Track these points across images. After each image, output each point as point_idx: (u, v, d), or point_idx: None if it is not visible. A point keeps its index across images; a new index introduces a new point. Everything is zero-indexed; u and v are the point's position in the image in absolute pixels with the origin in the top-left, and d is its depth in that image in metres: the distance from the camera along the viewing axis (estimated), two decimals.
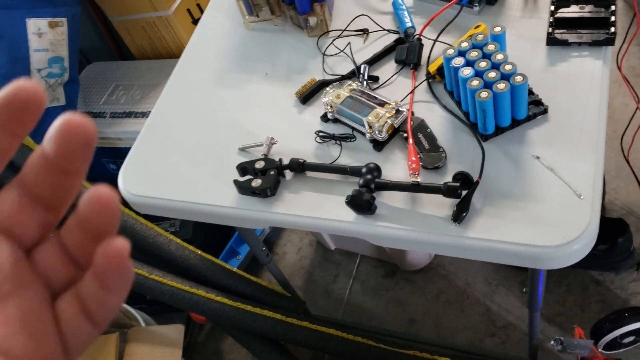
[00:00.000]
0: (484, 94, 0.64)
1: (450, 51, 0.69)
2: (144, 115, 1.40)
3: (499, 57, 0.67)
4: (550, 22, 0.74)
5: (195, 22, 1.52)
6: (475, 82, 0.65)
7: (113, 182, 1.56)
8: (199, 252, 1.24)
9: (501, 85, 0.64)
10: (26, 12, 1.15)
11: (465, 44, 0.69)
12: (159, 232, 1.23)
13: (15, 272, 0.22)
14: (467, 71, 0.67)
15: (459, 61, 0.68)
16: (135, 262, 1.18)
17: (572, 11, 0.74)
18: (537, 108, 0.69)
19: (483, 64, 0.67)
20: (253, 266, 1.55)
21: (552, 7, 0.75)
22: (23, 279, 0.22)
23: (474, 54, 0.68)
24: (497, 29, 0.69)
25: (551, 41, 0.74)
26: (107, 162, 1.48)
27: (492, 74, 0.65)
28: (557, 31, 0.73)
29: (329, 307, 1.47)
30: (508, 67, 0.65)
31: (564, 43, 0.73)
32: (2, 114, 0.20)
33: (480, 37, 0.69)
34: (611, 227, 1.22)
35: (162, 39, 1.52)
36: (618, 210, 1.37)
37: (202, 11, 1.53)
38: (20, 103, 0.20)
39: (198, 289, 1.18)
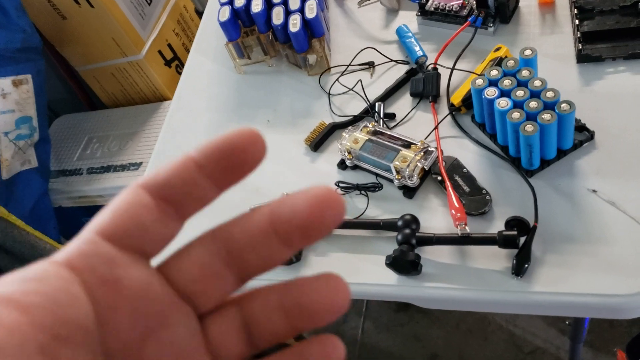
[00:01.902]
0: (530, 128, 0.57)
1: (480, 81, 0.62)
2: (124, 168, 1.30)
3: (537, 83, 0.60)
4: (578, 38, 0.68)
5: (168, 63, 1.43)
6: (516, 115, 0.58)
7: None
8: None
9: (546, 116, 0.57)
10: None
11: (495, 72, 0.62)
12: None
13: (191, 352, 0.18)
14: (504, 102, 0.60)
15: (492, 92, 0.61)
16: None
17: (598, 23, 0.69)
18: (582, 135, 0.63)
19: (520, 93, 0.60)
20: None
21: (577, 21, 0.69)
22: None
23: (507, 82, 0.61)
24: (528, 52, 0.62)
25: (583, 58, 0.67)
26: (88, 221, 1.37)
27: (533, 104, 0.58)
28: (587, 46, 0.67)
29: None
30: (549, 94, 0.59)
31: (598, 59, 0.67)
32: (217, 164, 0.18)
33: (511, 62, 0.62)
34: None
35: (134, 84, 1.43)
36: None
37: (174, 51, 1.44)
38: (238, 154, 0.18)
39: None
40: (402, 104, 0.74)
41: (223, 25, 0.79)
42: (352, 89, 0.76)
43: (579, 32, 0.68)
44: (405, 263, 0.57)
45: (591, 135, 0.62)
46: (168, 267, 0.19)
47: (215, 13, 0.85)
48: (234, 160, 0.18)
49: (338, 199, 0.18)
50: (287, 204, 0.18)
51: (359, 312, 1.42)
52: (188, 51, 1.50)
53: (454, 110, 0.69)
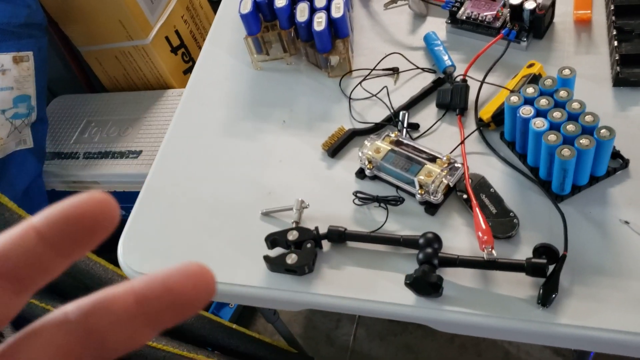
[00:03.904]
0: (567, 152, 0.54)
1: (515, 98, 0.60)
2: (123, 155, 1.25)
3: (575, 105, 0.57)
4: (616, 60, 0.66)
5: (174, 50, 1.39)
6: (553, 137, 0.56)
7: None
8: None
9: (585, 141, 0.55)
10: None
11: (531, 90, 0.60)
12: None
13: None
14: (540, 123, 0.57)
15: (527, 111, 0.58)
16: None
17: (638, 46, 0.66)
18: (616, 162, 0.60)
19: (557, 114, 0.57)
20: (246, 313, 1.42)
21: (615, 42, 0.67)
22: None
23: (543, 101, 0.58)
24: (567, 72, 0.60)
25: (620, 82, 0.65)
26: None
27: (571, 127, 0.56)
28: (625, 70, 0.65)
29: (333, 356, 1.35)
30: (588, 118, 0.56)
31: (636, 84, 0.65)
32: (62, 233, 0.16)
33: (548, 81, 0.59)
34: None
35: (137, 69, 1.39)
36: None
37: (181, 39, 1.40)
38: (87, 222, 0.16)
39: (197, 353, 1.05)
40: (427, 115, 0.71)
41: (244, 17, 0.76)
42: (375, 95, 0.73)
43: (617, 54, 0.66)
44: (426, 284, 0.54)
45: (625, 163, 0.60)
46: (16, 349, 0.17)
47: (234, 3, 0.81)
48: (81, 229, 0.17)
49: (209, 275, 0.17)
50: (156, 281, 0.17)
51: (352, 319, 1.39)
52: (195, 39, 1.46)
53: (482, 125, 0.66)
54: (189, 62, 1.43)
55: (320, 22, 0.73)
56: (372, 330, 1.37)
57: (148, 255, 0.66)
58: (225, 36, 0.87)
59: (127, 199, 1.25)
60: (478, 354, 1.27)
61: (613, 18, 0.69)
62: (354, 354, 1.34)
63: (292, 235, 0.62)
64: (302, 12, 0.74)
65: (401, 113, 0.69)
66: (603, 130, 0.55)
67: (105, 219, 0.17)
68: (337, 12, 0.73)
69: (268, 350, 1.11)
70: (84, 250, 0.17)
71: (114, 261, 1.02)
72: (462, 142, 0.66)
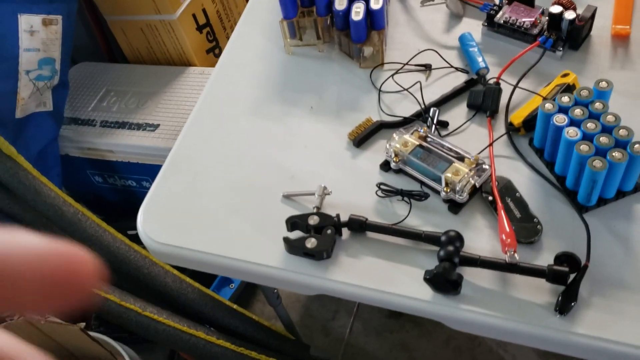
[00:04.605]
0: (599, 164, 0.54)
1: (550, 106, 0.60)
2: (140, 127, 1.26)
3: (610, 118, 0.57)
4: None
5: (200, 28, 1.39)
6: (585, 148, 0.56)
7: (97, 194, 1.40)
8: (197, 285, 1.11)
9: (617, 155, 0.55)
10: (19, 7, 1.00)
11: (566, 99, 0.60)
12: (154, 261, 1.09)
13: None
14: (573, 132, 0.57)
15: (561, 119, 0.58)
16: (128, 296, 1.04)
17: None
18: None
19: (591, 126, 0.57)
20: (245, 295, 1.42)
21: None
22: None
23: (578, 111, 0.59)
24: (604, 85, 0.60)
25: None
26: (92, 174, 1.33)
27: (604, 139, 0.56)
28: None
29: (327, 346, 1.36)
30: (622, 132, 0.56)
31: None
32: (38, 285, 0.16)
33: (585, 92, 0.60)
34: None
35: (161, 44, 1.39)
36: None
37: (207, 18, 1.40)
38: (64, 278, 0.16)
39: (197, 330, 1.05)
40: (456, 114, 0.71)
41: (282, 1, 0.75)
42: (407, 90, 0.73)
43: None
44: (446, 282, 0.55)
45: None
46: None
47: None
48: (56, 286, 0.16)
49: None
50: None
51: (350, 311, 1.40)
52: (221, 20, 1.46)
53: (512, 130, 0.66)
54: (213, 41, 1.43)
55: (358, 12, 0.73)
56: (369, 325, 1.38)
57: (167, 226, 0.67)
58: (260, 17, 0.87)
59: (139, 171, 1.25)
60: (472, 358, 1.28)
61: None
62: (348, 347, 1.35)
63: (313, 220, 0.62)
64: (340, 1, 0.74)
65: (432, 109, 0.69)
66: (637, 146, 0.55)
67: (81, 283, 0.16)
68: (375, 4, 0.73)
69: (266, 333, 1.11)
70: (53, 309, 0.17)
71: (121, 230, 1.03)
72: (491, 144, 0.66)
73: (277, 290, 1.02)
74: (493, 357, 1.27)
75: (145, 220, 0.67)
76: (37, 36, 1.06)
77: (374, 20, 0.75)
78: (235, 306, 1.12)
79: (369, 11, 0.74)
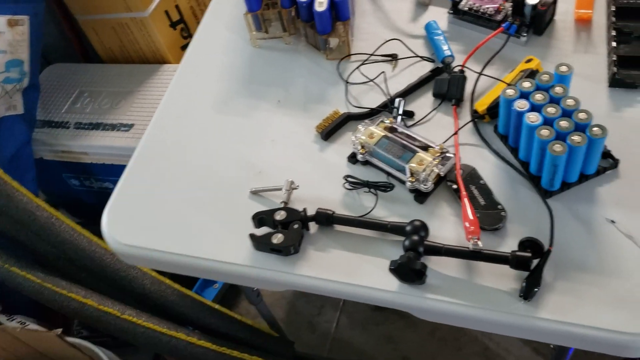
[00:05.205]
0: (559, 148, 0.54)
1: (511, 92, 0.60)
2: (114, 128, 1.24)
3: (570, 102, 0.57)
4: (613, 61, 0.66)
5: (173, 25, 1.37)
6: (546, 132, 0.56)
7: (75, 198, 1.38)
8: (177, 286, 1.10)
9: (577, 138, 0.55)
10: None
11: (527, 84, 0.60)
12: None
13: None
14: (534, 117, 0.57)
15: (522, 104, 0.58)
16: (106, 299, 1.03)
17: (635, 48, 0.66)
18: (606, 161, 0.60)
19: (551, 110, 0.57)
20: (230, 294, 1.42)
21: (614, 44, 0.67)
22: None
23: (539, 96, 0.58)
24: (564, 69, 0.60)
25: (616, 82, 0.65)
26: (68, 177, 1.32)
27: (564, 123, 0.56)
28: (621, 71, 0.65)
29: (314, 342, 1.36)
30: (582, 115, 0.56)
31: (631, 85, 0.65)
32: None
33: (545, 77, 0.59)
34: None
35: (134, 42, 1.37)
36: None
37: (180, 14, 1.38)
38: None
39: (177, 331, 1.04)
40: (422, 103, 0.70)
41: None
42: (372, 80, 0.73)
43: (614, 55, 0.66)
44: (410, 271, 0.55)
45: (615, 163, 0.60)
46: None
47: None
48: None
49: None
50: None
51: (335, 305, 1.40)
52: (195, 15, 1.44)
53: (477, 117, 0.66)
54: (188, 38, 1.42)
55: (321, 3, 0.72)
56: (354, 319, 1.37)
57: (133, 227, 0.66)
58: (226, 10, 0.86)
59: (115, 172, 1.24)
60: (458, 347, 1.28)
61: (613, 19, 0.69)
62: (334, 341, 1.35)
63: (280, 215, 0.62)
64: None
65: (397, 100, 0.69)
66: (595, 129, 0.55)
67: None
68: None
69: (249, 332, 1.11)
70: None
71: (99, 234, 1.02)
72: (456, 133, 0.65)
73: (257, 288, 1.02)
74: (478, 346, 1.28)
75: (110, 222, 0.66)
76: (3, 38, 1.04)
77: (339, 11, 0.74)
78: (217, 306, 1.12)
79: (333, 2, 0.73)
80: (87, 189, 1.33)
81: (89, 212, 1.41)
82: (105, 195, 1.41)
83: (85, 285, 1.01)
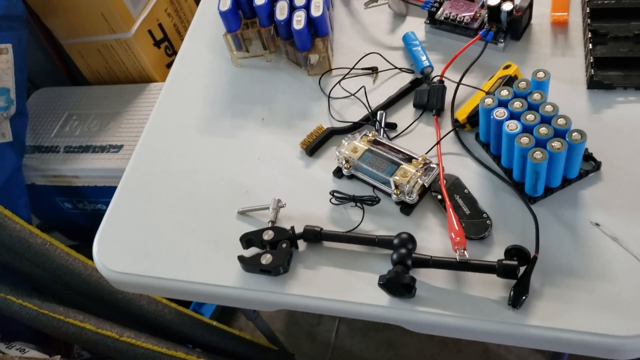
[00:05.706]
0: (539, 155, 0.55)
1: (489, 101, 0.60)
2: (104, 149, 1.24)
3: (548, 108, 0.58)
4: (590, 63, 0.66)
5: (158, 44, 1.38)
6: (525, 140, 0.56)
7: (69, 221, 1.38)
8: (174, 305, 1.10)
9: (557, 144, 0.55)
10: None
11: (505, 92, 0.60)
12: None
13: None
14: (513, 125, 0.58)
15: (501, 113, 0.59)
16: (104, 322, 1.03)
17: (612, 49, 0.67)
18: (589, 164, 0.61)
19: (530, 117, 0.58)
20: (228, 310, 1.42)
21: (590, 45, 0.67)
22: None
23: (517, 104, 0.59)
24: (541, 75, 0.60)
25: (594, 84, 0.66)
26: (61, 201, 1.32)
27: (544, 130, 0.56)
28: (599, 72, 0.65)
29: (314, 352, 1.36)
30: (560, 121, 0.57)
31: (609, 87, 0.65)
32: None
33: (522, 84, 0.60)
34: None
35: (120, 62, 1.38)
36: None
37: (164, 32, 1.39)
38: None
39: (177, 350, 1.05)
40: (404, 115, 0.71)
41: (223, 15, 0.75)
42: (354, 95, 0.73)
43: (591, 57, 0.66)
44: (399, 286, 0.55)
45: (597, 166, 0.61)
46: None
47: None
48: None
49: None
50: None
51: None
52: (179, 33, 1.45)
53: (458, 126, 0.67)
54: (172, 55, 1.42)
55: (299, 21, 0.73)
56: (354, 327, 1.38)
57: (123, 254, 0.66)
58: (206, 31, 0.86)
59: (107, 194, 1.24)
60: (458, 349, 1.29)
61: (589, 21, 0.69)
62: (335, 350, 1.35)
63: (268, 235, 0.62)
64: (281, 11, 0.74)
65: (379, 113, 0.69)
66: (575, 134, 0.56)
67: None
68: (316, 11, 0.73)
69: (248, 347, 1.11)
70: None
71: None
72: (438, 143, 0.66)
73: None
74: (478, 347, 1.28)
75: (101, 251, 0.67)
76: None
77: (317, 28, 0.75)
78: (215, 323, 1.12)
79: (310, 19, 0.74)
80: (81, 211, 1.33)
81: (84, 234, 1.42)
82: (99, 216, 1.41)
83: (82, 309, 1.01)
